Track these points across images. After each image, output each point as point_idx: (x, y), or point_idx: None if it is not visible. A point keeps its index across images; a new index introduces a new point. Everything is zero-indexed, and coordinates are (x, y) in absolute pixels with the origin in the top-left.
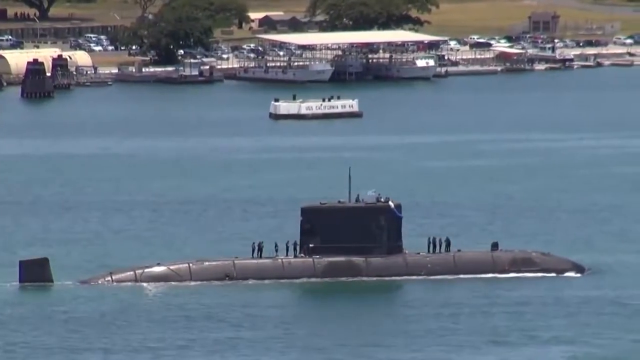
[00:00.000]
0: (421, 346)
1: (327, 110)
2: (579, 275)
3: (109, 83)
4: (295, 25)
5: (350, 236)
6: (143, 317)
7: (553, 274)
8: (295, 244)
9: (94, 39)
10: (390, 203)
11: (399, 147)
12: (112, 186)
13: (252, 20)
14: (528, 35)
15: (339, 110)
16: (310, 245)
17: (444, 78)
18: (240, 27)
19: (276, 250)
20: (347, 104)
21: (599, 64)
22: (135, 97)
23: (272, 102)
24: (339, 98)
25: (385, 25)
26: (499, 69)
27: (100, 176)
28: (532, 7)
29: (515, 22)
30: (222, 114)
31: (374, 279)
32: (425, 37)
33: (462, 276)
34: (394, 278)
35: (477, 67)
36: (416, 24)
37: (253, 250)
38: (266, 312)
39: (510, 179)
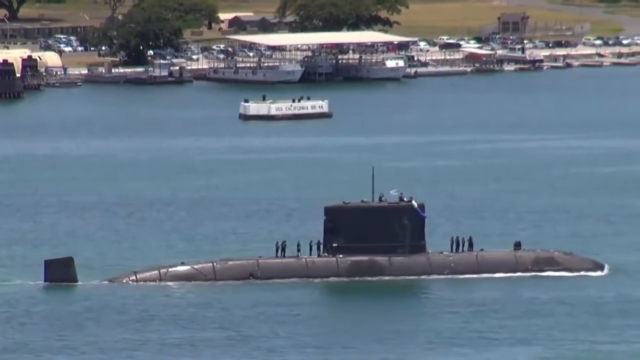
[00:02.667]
0: (445, 345)
1: (296, 111)
2: (600, 274)
3: (79, 84)
4: (265, 26)
5: (374, 236)
6: (166, 315)
7: (575, 273)
8: (318, 244)
9: (63, 39)
10: (414, 202)
11: (368, 148)
12: (79, 186)
13: (222, 21)
14: (497, 36)
15: (309, 111)
16: (334, 244)
17: (414, 79)
18: (209, 27)
19: (299, 250)
20: (317, 104)
21: (568, 65)
22: (104, 98)
23: (242, 103)
24: (308, 99)
25: (354, 26)
26: (468, 69)
27: (65, 175)
28: (501, 8)
29: (484, 23)
30: (191, 114)
31: (397, 278)
32: (395, 38)
33: (484, 275)
34: (417, 277)
35: (446, 68)
36: (386, 24)
37: (277, 250)
38: (290, 311)
39: (479, 179)
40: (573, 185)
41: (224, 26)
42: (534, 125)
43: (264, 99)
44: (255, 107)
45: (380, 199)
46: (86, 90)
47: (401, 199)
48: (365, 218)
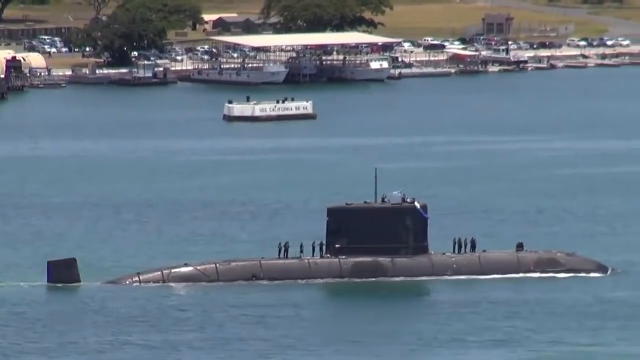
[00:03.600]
0: (447, 346)
1: (281, 112)
2: (603, 275)
3: (63, 85)
4: (249, 27)
5: (377, 237)
6: (169, 316)
7: (578, 274)
8: (321, 245)
9: (47, 40)
10: (416, 204)
11: (352, 149)
12: (62, 187)
13: (206, 22)
14: (482, 37)
15: (293, 112)
16: (337, 245)
17: (398, 80)
18: (194, 28)
19: (301, 251)
20: (301, 105)
21: (552, 66)
22: (88, 99)
23: (226, 104)
24: (292, 100)
25: (339, 27)
26: (452, 70)
27: (49, 177)
28: (485, 9)
29: (469, 24)
30: (175, 115)
31: (400, 279)
32: (379, 39)
33: (487, 276)
34: (419, 278)
35: (430, 69)
36: (370, 25)
37: (279, 251)
38: (292, 312)
39: (463, 179)
40: (567, 186)
41: (208, 27)
42: (517, 126)
43: (248, 100)
44: (239, 108)
45: (382, 200)
46: (70, 91)
47: (404, 200)
48: (368, 219)
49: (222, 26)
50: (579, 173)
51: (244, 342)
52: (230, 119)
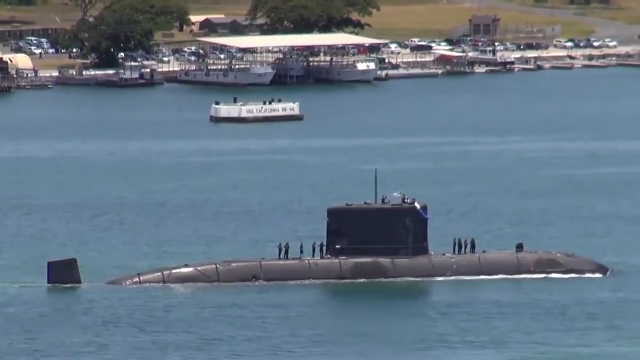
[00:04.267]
0: (447, 347)
1: (267, 113)
2: (603, 276)
3: (50, 86)
4: (236, 28)
5: (377, 237)
6: (168, 317)
7: (577, 275)
8: (321, 245)
9: (34, 42)
10: (416, 204)
11: (339, 150)
12: (48, 188)
13: (193, 23)
14: (468, 38)
15: (280, 113)
16: (337, 246)
17: (385, 81)
18: (181, 30)
19: (301, 252)
20: (288, 107)
21: (539, 67)
22: (75, 100)
23: (213, 105)
24: (279, 101)
25: (326, 29)
26: (439, 71)
27: (35, 179)
28: (472, 10)
29: (455, 25)
30: (162, 116)
31: (400, 279)
32: (366, 40)
33: (487, 277)
34: (419, 279)
35: (417, 70)
36: (357, 27)
37: (280, 252)
38: (293, 312)
39: (450, 180)
40: (557, 186)
41: (195, 28)
42: (504, 127)
43: (235, 101)
44: (226, 110)
45: (383, 201)
46: (57, 92)
47: (404, 201)
48: (368, 220)
49: (209, 27)
50: (564, 174)
51: (244, 342)
52: (217, 120)
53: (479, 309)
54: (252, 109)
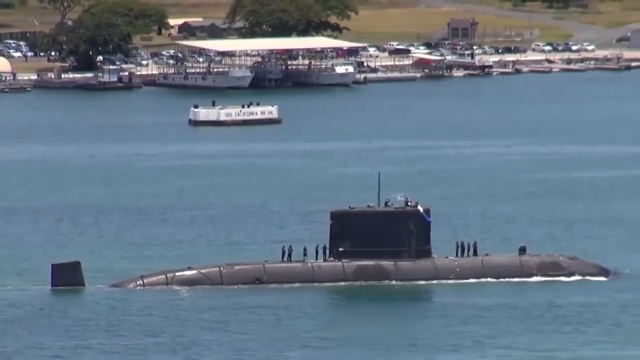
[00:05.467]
0: (450, 349)
1: (246, 117)
2: (605, 279)
3: (28, 89)
4: (214, 32)
5: (380, 240)
6: (175, 319)
7: (580, 278)
8: (324, 248)
9: (13, 45)
10: (419, 207)
11: (317, 154)
12: (26, 191)
13: (172, 27)
14: (447, 42)
15: (258, 116)
16: (340, 249)
17: (363, 84)
18: (159, 33)
19: (305, 254)
20: (267, 110)
21: (517, 71)
22: (54, 104)
23: (192, 109)
24: (258, 104)
25: (304, 32)
26: (417, 75)
27: (13, 182)
28: (451, 14)
29: (434, 28)
30: (141, 120)
31: (403, 282)
32: (344, 44)
33: (490, 280)
34: (422, 282)
35: (396, 74)
36: (335, 30)
37: (283, 254)
38: (296, 315)
39: (428, 184)
40: (545, 190)
41: (173, 32)
42: (481, 130)
43: (213, 104)
44: (204, 113)
45: (386, 204)
46: (35, 95)
47: (407, 204)
48: (371, 223)
49: (187, 31)
50: (538, 178)
51: (245, 344)
52: (195, 123)
53: (481, 312)
54: (230, 112)
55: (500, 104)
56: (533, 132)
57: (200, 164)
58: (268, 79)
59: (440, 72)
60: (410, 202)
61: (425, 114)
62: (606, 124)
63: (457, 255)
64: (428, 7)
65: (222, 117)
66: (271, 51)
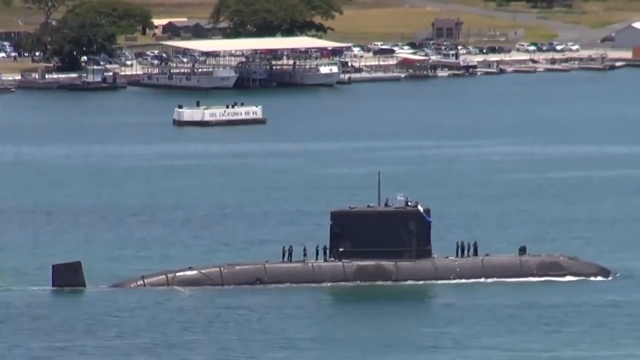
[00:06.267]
0: (450, 349)
1: (230, 117)
2: (605, 279)
3: (12, 90)
4: (198, 32)
5: (380, 240)
6: (176, 319)
7: (580, 278)
8: (324, 248)
9: None
10: (420, 207)
11: (302, 154)
12: (10, 192)
13: (156, 27)
14: (431, 42)
15: (243, 117)
16: (340, 249)
17: (348, 84)
18: (143, 33)
19: (305, 255)
20: (251, 110)
21: (502, 71)
22: (38, 104)
23: (176, 109)
24: (242, 105)
25: (288, 32)
26: (402, 75)
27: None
28: (435, 14)
29: (418, 28)
30: (125, 120)
31: (404, 282)
32: (329, 44)
33: (490, 280)
34: (423, 282)
35: (380, 74)
36: (320, 30)
37: (283, 254)
38: (296, 315)
39: (412, 184)
40: (530, 189)
41: (157, 32)
42: (465, 130)
43: (197, 104)
44: (189, 113)
45: (386, 204)
46: (20, 96)
47: (407, 204)
48: (371, 223)
49: (171, 31)
50: (519, 178)
51: (247, 344)
52: (180, 123)
53: (482, 312)
54: (215, 112)
55: (484, 104)
56: (517, 132)
57: (184, 165)
58: (252, 79)
59: (425, 72)
60: (411, 202)
61: (410, 114)
62: (592, 123)
63: (457, 255)
64: (412, 7)
65: (207, 118)
66: (255, 51)
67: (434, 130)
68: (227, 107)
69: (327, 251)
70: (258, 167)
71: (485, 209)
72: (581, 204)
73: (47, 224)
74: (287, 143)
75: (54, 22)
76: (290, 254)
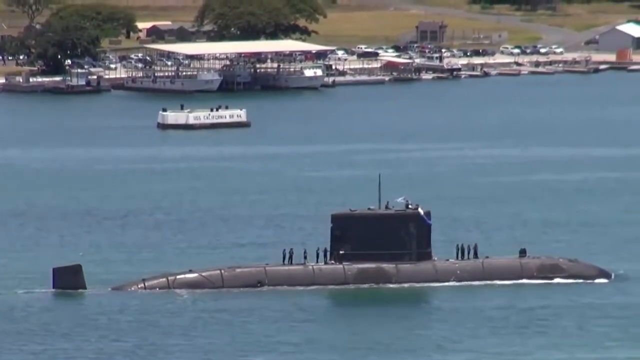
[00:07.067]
0: (451, 352)
1: (215, 120)
2: (606, 281)
3: None
4: (183, 35)
5: (380, 243)
6: (176, 322)
7: (580, 280)
8: (325, 251)
9: None
10: (420, 210)
11: (286, 157)
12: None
13: (140, 30)
14: (415, 45)
15: (227, 120)
16: (341, 252)
17: (332, 88)
18: (128, 36)
19: (305, 257)
20: (235, 113)
21: (486, 74)
22: (22, 108)
23: (160, 112)
24: (227, 108)
25: (273, 35)
26: (386, 78)
27: None
28: (419, 17)
29: (402, 31)
30: (109, 123)
31: (404, 285)
32: (313, 47)
33: (490, 282)
34: (423, 284)
35: (364, 77)
36: (304, 33)
37: (284, 257)
38: (297, 318)
39: (396, 187)
40: (514, 192)
41: (142, 35)
42: (451, 133)
43: (182, 108)
44: (173, 116)
45: (386, 207)
46: (3, 99)
47: (407, 207)
48: (371, 225)
49: (156, 34)
50: (505, 181)
51: (248, 347)
52: (164, 127)
53: (482, 314)
54: (199, 115)
55: (469, 107)
56: (502, 135)
57: (169, 168)
58: (237, 82)
59: (409, 75)
60: (411, 204)
61: (394, 117)
62: (577, 126)
63: (457, 257)
64: (396, 10)
65: (191, 121)
66: (240, 54)
67: (418, 133)
68: (212, 110)
69: (328, 254)
70: (242, 170)
71: (469, 212)
72: (574, 205)
73: (23, 229)
74: (272, 146)
75: (37, 26)
76: (290, 257)
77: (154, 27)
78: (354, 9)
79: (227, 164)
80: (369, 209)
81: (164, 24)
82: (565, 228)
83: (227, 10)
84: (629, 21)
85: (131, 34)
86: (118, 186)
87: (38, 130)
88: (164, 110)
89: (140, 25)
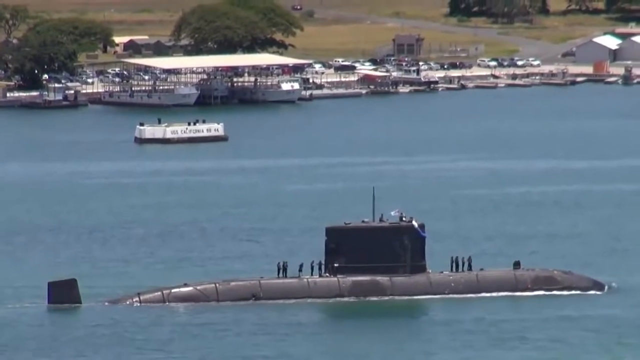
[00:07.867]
0: None
1: (192, 134)
2: (600, 293)
3: None
4: (160, 49)
5: (375, 256)
6: (172, 336)
7: (574, 292)
8: (319, 264)
9: None
10: (414, 223)
11: (264, 171)
12: None
13: (117, 45)
14: (392, 58)
15: (205, 134)
16: (335, 264)
17: (309, 101)
18: (105, 51)
19: (300, 270)
20: (213, 127)
21: (463, 87)
22: None
23: (137, 126)
24: (204, 122)
25: (250, 49)
26: (363, 91)
27: None
28: (396, 30)
29: (379, 45)
30: (87, 138)
31: (399, 298)
32: (290, 61)
33: (485, 295)
34: (418, 297)
35: (341, 90)
36: (281, 47)
37: (278, 270)
38: (292, 331)
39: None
40: (496, 204)
41: (119, 49)
42: (428, 146)
43: (159, 122)
44: (150, 131)
45: (380, 219)
46: None
47: (401, 219)
48: (366, 238)
49: (133, 48)
50: (477, 193)
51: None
52: (141, 141)
53: (477, 326)
54: (176, 130)
55: (446, 120)
56: (479, 147)
57: (146, 182)
58: (214, 96)
59: (386, 88)
60: (405, 217)
61: (371, 130)
62: (554, 138)
63: (452, 270)
64: (373, 23)
65: (168, 135)
66: (217, 68)
67: (395, 146)
68: (189, 124)
69: (322, 267)
70: (219, 184)
71: (449, 225)
72: (557, 217)
73: (32, 242)
74: (249, 160)
75: (14, 41)
76: (285, 270)
77: (131, 41)
78: (331, 22)
79: (204, 178)
80: (363, 221)
81: (141, 38)
82: (554, 240)
83: (203, 25)
84: (605, 33)
85: (108, 48)
86: (96, 201)
87: (15, 145)
88: (141, 124)
89: (117, 39)
